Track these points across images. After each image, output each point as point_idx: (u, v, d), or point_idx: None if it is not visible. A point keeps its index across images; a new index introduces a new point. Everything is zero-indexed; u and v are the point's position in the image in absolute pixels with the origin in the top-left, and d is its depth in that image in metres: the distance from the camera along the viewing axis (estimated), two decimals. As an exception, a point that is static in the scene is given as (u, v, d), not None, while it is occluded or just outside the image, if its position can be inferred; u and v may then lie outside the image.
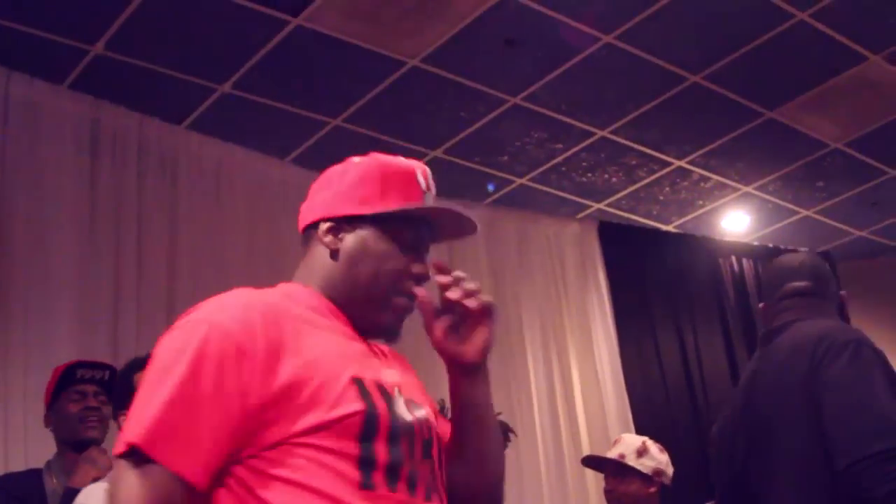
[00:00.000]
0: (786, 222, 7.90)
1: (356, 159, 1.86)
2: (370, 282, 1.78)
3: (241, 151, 6.06)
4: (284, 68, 5.40)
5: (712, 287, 8.00)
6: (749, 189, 7.27)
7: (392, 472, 1.59)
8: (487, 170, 6.67)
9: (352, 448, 1.57)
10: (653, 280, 7.63)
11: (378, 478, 1.57)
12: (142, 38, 5.07)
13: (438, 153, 6.36)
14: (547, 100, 5.90)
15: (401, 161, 1.86)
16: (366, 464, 1.57)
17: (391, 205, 1.79)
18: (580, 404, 7.01)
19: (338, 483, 1.54)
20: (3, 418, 4.65)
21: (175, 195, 5.70)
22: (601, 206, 7.36)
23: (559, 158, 6.57)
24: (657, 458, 4.09)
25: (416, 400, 1.73)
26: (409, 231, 1.81)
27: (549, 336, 7.11)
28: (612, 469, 4.14)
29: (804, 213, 7.75)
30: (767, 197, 7.42)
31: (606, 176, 6.87)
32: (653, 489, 4.05)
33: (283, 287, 1.82)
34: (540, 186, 6.95)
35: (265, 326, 1.59)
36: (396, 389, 1.69)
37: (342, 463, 1.56)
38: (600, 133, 6.31)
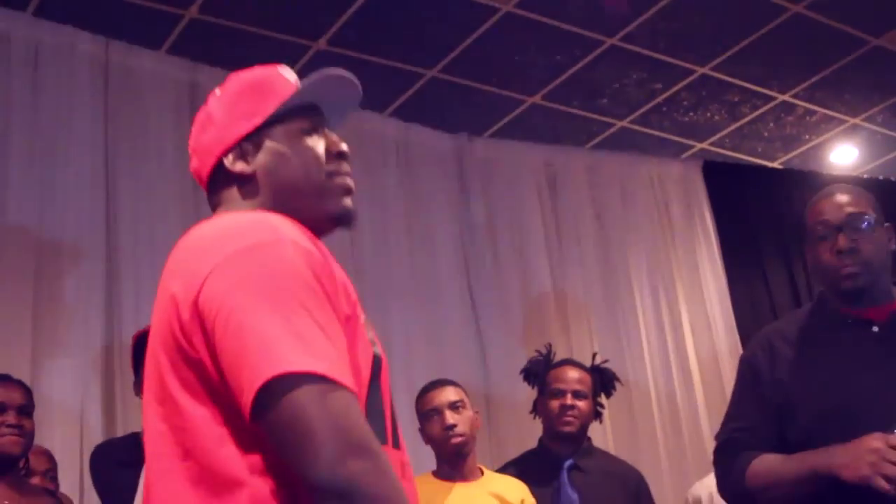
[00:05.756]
0: (896, 153, 7.68)
1: (216, 91, 1.84)
2: (302, 179, 1.75)
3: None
4: (377, 22, 5.37)
5: (822, 223, 7.79)
6: (857, 121, 7.04)
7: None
8: (587, 113, 6.58)
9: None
10: (761, 218, 7.48)
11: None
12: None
13: (537, 99, 6.29)
14: (644, 39, 5.79)
15: (260, 68, 1.87)
16: None
17: (273, 104, 1.77)
18: (691, 348, 6.92)
19: None
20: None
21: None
22: (704, 145, 7.22)
23: (659, 98, 6.46)
24: None
25: None
26: (304, 119, 1.80)
27: (656, 280, 7.01)
28: None
29: (916, 142, 7.51)
30: (876, 128, 7.17)
31: (709, 114, 6.73)
32: None
33: None
34: (641, 128, 6.84)
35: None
36: None
37: None
38: (700, 70, 6.17)
